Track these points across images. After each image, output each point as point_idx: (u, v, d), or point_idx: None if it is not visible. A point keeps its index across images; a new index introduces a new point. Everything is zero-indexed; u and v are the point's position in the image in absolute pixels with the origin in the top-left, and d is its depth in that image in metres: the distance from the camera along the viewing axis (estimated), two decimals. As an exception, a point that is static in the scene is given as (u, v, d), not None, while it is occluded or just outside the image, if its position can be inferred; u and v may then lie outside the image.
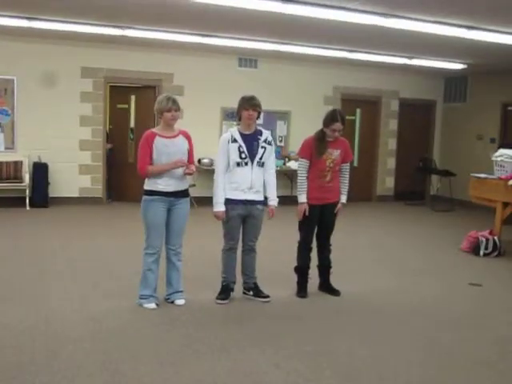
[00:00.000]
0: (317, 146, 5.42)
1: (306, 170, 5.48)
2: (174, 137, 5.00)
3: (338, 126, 5.37)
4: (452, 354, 4.32)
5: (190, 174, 5.04)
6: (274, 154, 5.36)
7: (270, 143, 5.26)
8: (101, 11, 7.78)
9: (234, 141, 5.13)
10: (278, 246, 7.32)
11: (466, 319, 5.16)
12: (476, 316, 5.28)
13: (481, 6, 6.57)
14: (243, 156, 5.11)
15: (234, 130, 5.24)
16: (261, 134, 5.24)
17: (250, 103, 5.13)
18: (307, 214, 5.41)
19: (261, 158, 5.18)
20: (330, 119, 5.40)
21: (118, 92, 11.18)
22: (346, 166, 5.62)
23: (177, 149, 4.95)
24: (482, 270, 7.08)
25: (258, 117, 5.26)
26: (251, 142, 5.16)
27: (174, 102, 4.95)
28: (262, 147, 5.18)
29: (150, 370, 3.79)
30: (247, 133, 5.19)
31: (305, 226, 5.54)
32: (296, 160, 5.78)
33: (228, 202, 5.14)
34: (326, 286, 5.72)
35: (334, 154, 5.45)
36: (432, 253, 7.90)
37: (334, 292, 5.65)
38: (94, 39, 10.00)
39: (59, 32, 9.18)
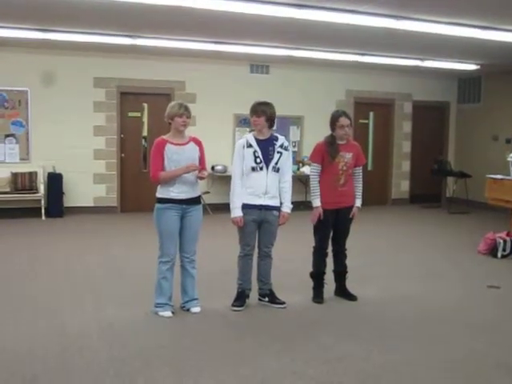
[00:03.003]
0: (329, 150, 5.40)
1: (318, 174, 5.45)
2: (185, 144, 5.00)
3: (344, 120, 5.36)
4: (471, 357, 4.25)
5: (202, 179, 5.05)
6: (290, 160, 5.34)
7: (286, 148, 5.23)
8: (113, 21, 7.83)
9: (250, 146, 5.13)
10: (293, 251, 7.27)
11: (485, 322, 5.09)
12: (495, 319, 5.20)
13: (494, 5, 6.50)
14: (258, 161, 5.10)
15: (249, 136, 5.24)
16: (276, 139, 5.22)
17: (253, 109, 5.16)
18: (322, 218, 5.39)
19: (276, 164, 5.16)
20: (336, 117, 5.41)
21: (130, 100, 11.21)
22: (359, 170, 5.59)
23: (187, 156, 4.94)
24: (500, 271, 6.99)
25: (271, 124, 5.22)
26: (266, 147, 5.15)
27: (187, 108, 4.96)
28: (278, 152, 5.17)
29: (165, 379, 3.78)
30: (262, 138, 5.18)
31: (320, 230, 5.50)
32: (309, 165, 5.76)
33: (243, 207, 5.13)
34: (342, 291, 5.67)
35: (347, 156, 5.42)
36: (449, 255, 7.82)
37: (351, 297, 5.61)
38: (106, 49, 10.06)
39: (71, 43, 9.25)
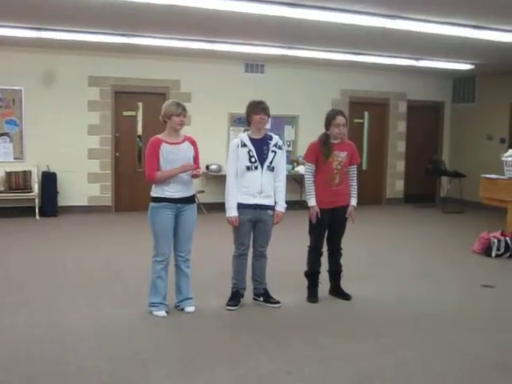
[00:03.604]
0: (322, 149, 5.40)
1: (313, 174, 5.45)
2: (180, 143, 5.00)
3: (340, 119, 5.37)
4: (468, 358, 4.25)
5: (196, 176, 5.05)
6: (284, 159, 5.36)
7: (280, 147, 5.24)
8: (108, 20, 7.80)
9: (244, 145, 5.13)
10: (287, 250, 7.27)
11: (481, 322, 5.09)
12: (490, 318, 5.21)
13: (488, 5, 6.51)
14: (253, 160, 5.10)
15: (243, 135, 5.24)
16: (271, 138, 5.23)
17: (260, 107, 5.15)
18: (319, 216, 5.38)
19: (271, 163, 5.16)
20: (333, 115, 5.42)
21: (125, 99, 11.18)
22: (353, 169, 5.59)
23: (182, 156, 4.95)
24: (495, 271, 7.01)
25: (267, 121, 5.26)
26: (261, 146, 5.15)
27: (184, 108, 4.97)
28: (273, 151, 5.17)
29: (160, 378, 3.77)
30: (257, 137, 5.18)
31: (315, 230, 5.50)
32: (304, 164, 5.78)
33: (238, 206, 5.13)
34: (337, 291, 5.67)
35: (341, 155, 5.42)
36: (443, 255, 7.83)
37: (345, 296, 5.61)
38: (101, 48, 10.01)
39: (66, 42, 9.22)
